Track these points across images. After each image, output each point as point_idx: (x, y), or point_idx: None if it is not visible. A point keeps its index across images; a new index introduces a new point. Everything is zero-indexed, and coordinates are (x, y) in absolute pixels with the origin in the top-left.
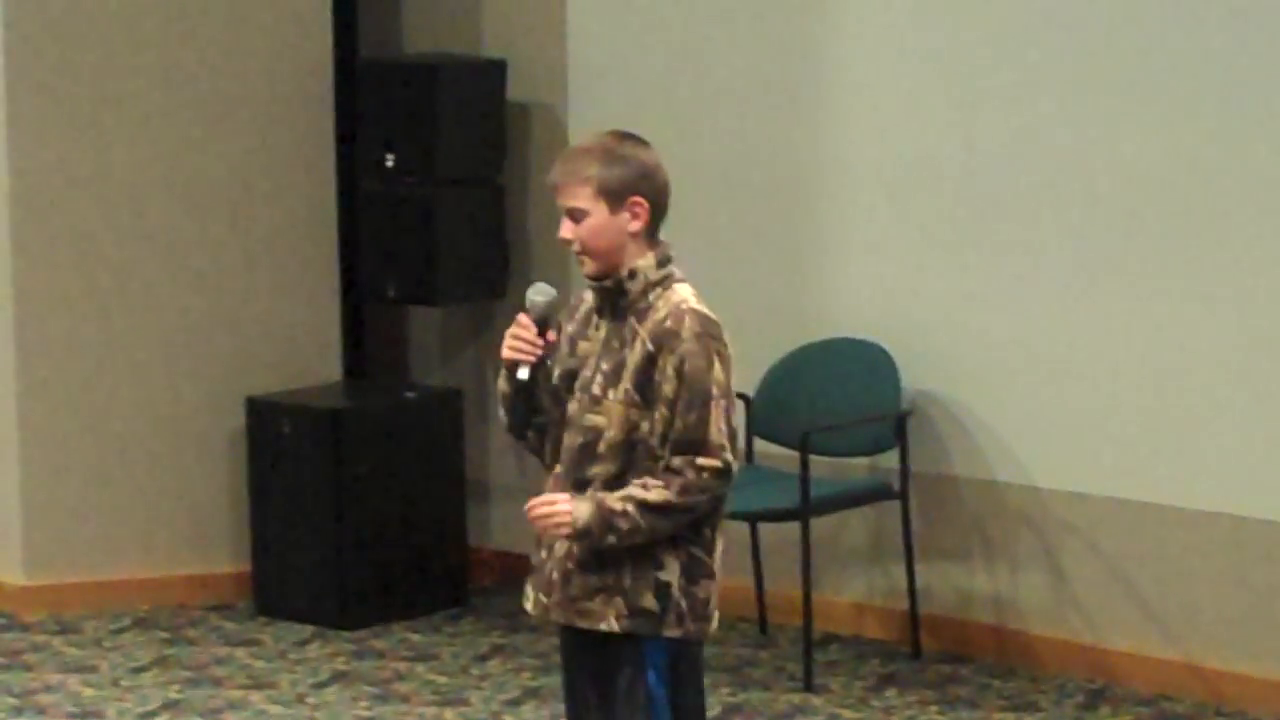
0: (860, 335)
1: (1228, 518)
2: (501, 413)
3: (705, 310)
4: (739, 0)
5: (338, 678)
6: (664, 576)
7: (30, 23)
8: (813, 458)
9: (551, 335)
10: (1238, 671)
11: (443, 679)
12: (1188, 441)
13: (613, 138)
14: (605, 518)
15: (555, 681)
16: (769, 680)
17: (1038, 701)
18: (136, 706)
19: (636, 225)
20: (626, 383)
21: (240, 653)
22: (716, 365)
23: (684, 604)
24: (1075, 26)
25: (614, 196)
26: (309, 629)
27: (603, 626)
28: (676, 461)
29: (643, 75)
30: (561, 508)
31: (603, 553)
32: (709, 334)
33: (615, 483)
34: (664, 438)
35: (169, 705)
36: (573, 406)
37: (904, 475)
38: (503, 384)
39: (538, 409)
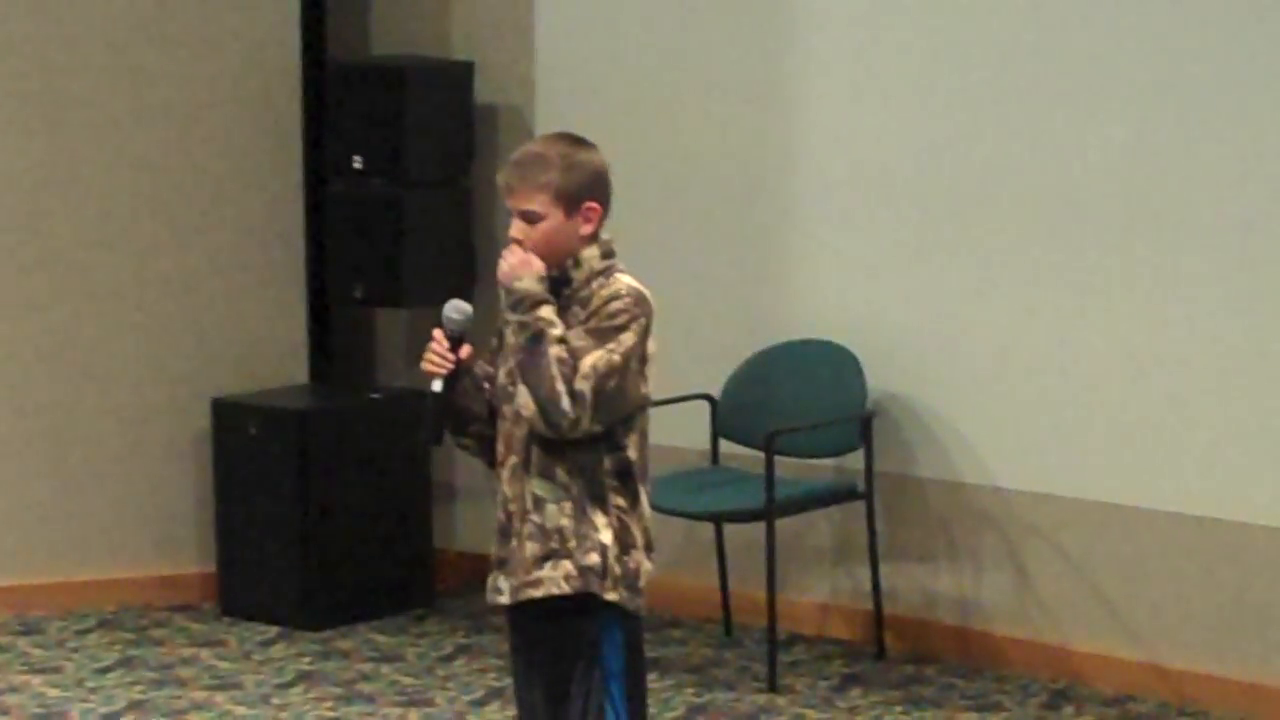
0: (825, 337)
1: (1192, 519)
2: (434, 425)
3: (641, 291)
4: (706, 3)
5: (303, 678)
6: (601, 538)
7: None
8: (778, 458)
9: (464, 352)
10: (1201, 672)
11: (408, 679)
12: (1152, 443)
13: (566, 142)
14: (535, 302)
15: None
16: (733, 680)
17: (1001, 702)
18: (101, 707)
19: (589, 229)
20: None
21: (205, 653)
22: (633, 328)
23: (618, 570)
24: (1042, 31)
25: (570, 201)
26: (274, 629)
27: (555, 590)
28: None
29: (610, 78)
30: (534, 266)
31: (545, 518)
32: (641, 302)
33: (555, 449)
34: None
35: (134, 706)
36: (518, 402)
37: (869, 476)
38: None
39: (472, 418)
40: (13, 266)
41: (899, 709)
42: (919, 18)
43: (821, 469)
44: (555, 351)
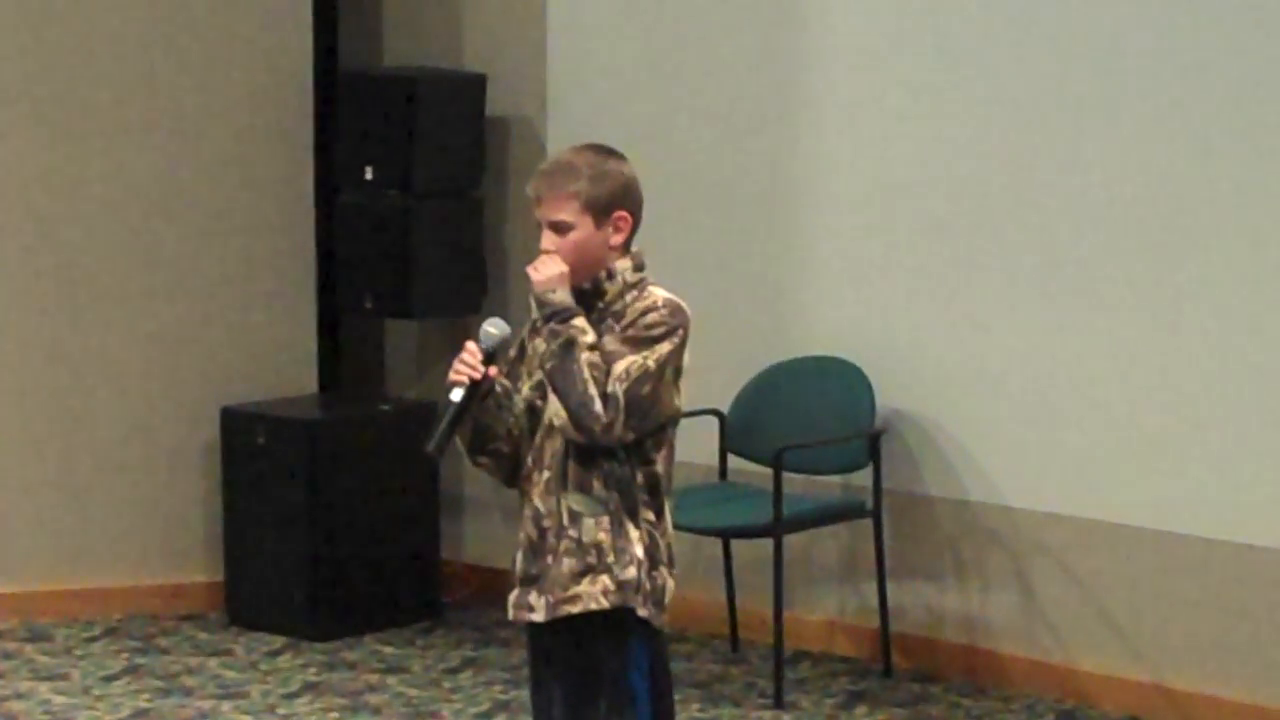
0: (835, 354)
1: (1198, 540)
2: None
3: (678, 302)
4: (718, 17)
5: (309, 689)
6: (636, 552)
7: (8, 30)
8: (786, 475)
9: (494, 370)
10: (1207, 693)
11: (414, 691)
12: (1160, 463)
13: (595, 152)
14: (569, 313)
15: (526, 695)
16: (739, 697)
17: None
18: (107, 715)
19: (619, 239)
20: None
21: (212, 663)
22: (669, 340)
23: (648, 585)
24: (1054, 50)
25: (600, 211)
26: (281, 640)
27: (593, 605)
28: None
29: (621, 91)
30: (556, 270)
31: (582, 533)
32: (678, 312)
33: (591, 462)
34: None
35: (140, 714)
36: (549, 413)
37: (877, 493)
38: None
39: (492, 437)
40: (23, 273)
41: None
42: (934, 34)
43: (829, 486)
44: (587, 357)
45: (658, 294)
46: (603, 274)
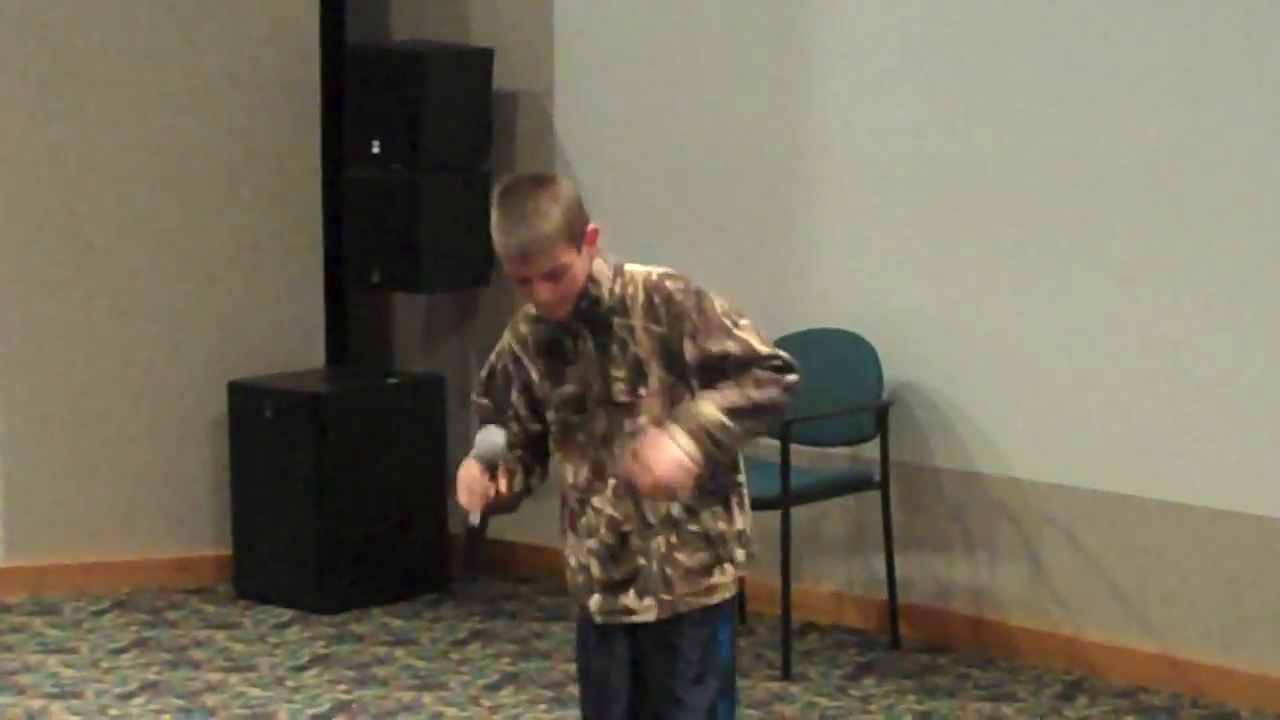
0: (842, 326)
1: (1206, 511)
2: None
3: (666, 269)
4: None
5: (317, 661)
6: (739, 528)
7: (14, 6)
8: (794, 447)
9: (503, 484)
10: (1214, 664)
11: (422, 663)
12: (1167, 435)
13: (540, 186)
14: (707, 437)
15: (534, 667)
16: (748, 668)
17: (1015, 692)
18: (116, 687)
19: (594, 248)
20: (658, 371)
21: (220, 635)
22: (713, 302)
23: (744, 552)
24: (1056, 21)
25: (577, 236)
26: (289, 612)
27: (728, 595)
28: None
29: (628, 66)
30: (673, 456)
31: (702, 524)
32: (684, 282)
33: None
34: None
35: (148, 687)
36: (600, 424)
37: (884, 465)
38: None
39: (513, 508)
40: (30, 249)
41: (913, 698)
42: (938, 7)
43: (837, 458)
44: (734, 402)
45: (641, 270)
46: (588, 285)
